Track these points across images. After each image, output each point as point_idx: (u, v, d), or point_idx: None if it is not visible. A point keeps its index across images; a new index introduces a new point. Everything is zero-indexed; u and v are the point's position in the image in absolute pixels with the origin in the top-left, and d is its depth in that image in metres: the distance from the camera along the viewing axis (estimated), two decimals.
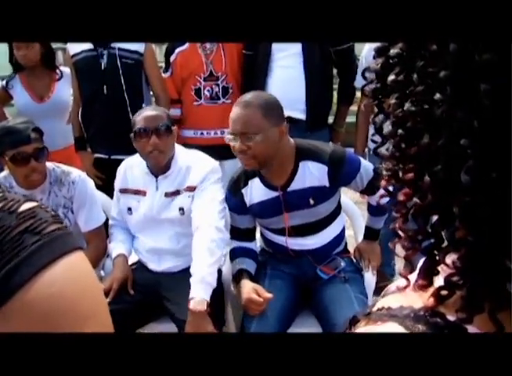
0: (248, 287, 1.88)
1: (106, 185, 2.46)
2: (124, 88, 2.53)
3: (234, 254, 2.07)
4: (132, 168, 2.13)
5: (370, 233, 2.12)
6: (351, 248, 2.19)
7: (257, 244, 2.18)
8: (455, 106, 0.39)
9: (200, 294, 1.78)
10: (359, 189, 1.96)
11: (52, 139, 2.36)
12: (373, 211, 2.06)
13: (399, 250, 0.48)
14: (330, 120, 2.79)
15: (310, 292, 2.02)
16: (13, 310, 0.39)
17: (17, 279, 0.39)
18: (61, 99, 2.83)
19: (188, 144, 2.43)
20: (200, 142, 2.60)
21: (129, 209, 2.13)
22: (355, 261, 2.12)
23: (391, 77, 0.44)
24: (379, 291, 2.16)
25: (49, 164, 2.08)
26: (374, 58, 0.47)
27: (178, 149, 2.11)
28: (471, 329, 0.42)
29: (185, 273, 1.90)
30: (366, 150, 2.69)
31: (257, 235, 2.19)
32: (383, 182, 0.48)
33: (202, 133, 2.71)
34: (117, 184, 2.17)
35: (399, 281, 0.51)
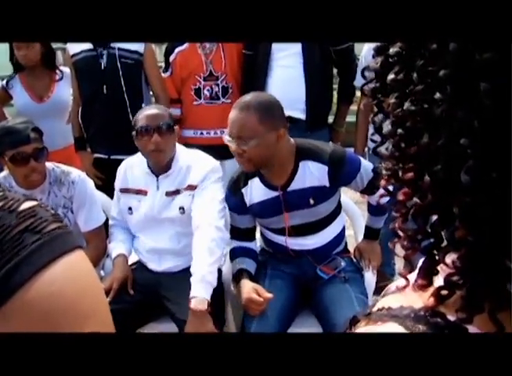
0: (248, 287, 1.88)
1: (105, 185, 2.46)
2: (123, 88, 2.53)
3: (234, 253, 2.07)
4: (133, 168, 2.13)
5: (370, 233, 2.12)
6: (351, 248, 2.19)
7: (258, 244, 2.18)
8: (455, 106, 0.39)
9: (200, 294, 1.78)
10: (359, 189, 1.96)
11: (52, 139, 2.36)
12: (373, 210, 2.06)
13: (399, 250, 0.48)
14: (330, 119, 2.79)
15: (310, 292, 2.02)
16: (13, 309, 0.39)
17: (17, 278, 0.39)
18: (61, 99, 2.83)
19: (188, 144, 2.42)
20: (200, 142, 2.60)
21: (129, 209, 2.13)
22: (355, 261, 2.12)
23: (391, 76, 0.44)
24: (379, 290, 2.16)
25: (49, 164, 2.08)
26: (373, 57, 0.47)
27: (179, 148, 2.11)
28: (471, 329, 0.42)
29: (185, 273, 1.90)
30: (366, 149, 2.69)
31: (258, 235, 2.19)
32: (382, 182, 0.48)
33: (202, 133, 2.71)
34: (118, 184, 2.17)
35: (399, 281, 0.51)
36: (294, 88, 2.52)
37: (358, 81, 2.54)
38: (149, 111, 2.02)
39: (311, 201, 1.92)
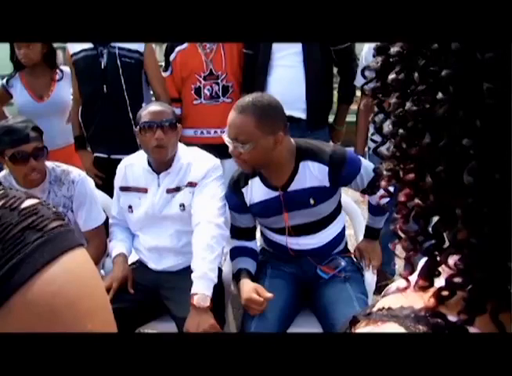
0: (248, 287, 1.88)
1: (105, 184, 2.46)
2: (124, 87, 2.53)
3: (234, 253, 2.07)
4: (133, 166, 2.13)
5: (371, 233, 2.12)
6: (351, 248, 2.19)
7: (258, 244, 2.18)
8: (457, 106, 0.39)
9: (202, 290, 1.79)
10: (360, 189, 1.96)
11: (52, 138, 2.36)
12: (374, 210, 2.06)
13: (399, 251, 0.48)
14: (330, 119, 2.79)
15: (310, 292, 2.02)
16: (15, 307, 0.39)
17: (19, 276, 0.39)
18: (61, 99, 2.83)
19: (188, 143, 2.42)
20: (200, 142, 2.59)
21: (130, 207, 2.12)
22: (355, 260, 2.12)
23: (392, 76, 0.44)
24: (379, 290, 2.17)
25: (49, 164, 2.08)
26: (374, 56, 0.46)
27: (180, 147, 2.11)
28: (472, 330, 0.42)
29: (185, 272, 1.90)
30: (366, 149, 2.69)
31: (258, 234, 2.18)
32: (383, 183, 0.48)
33: (202, 132, 2.70)
34: (117, 182, 2.17)
35: (400, 281, 0.50)
36: (295, 87, 2.52)
37: (359, 81, 2.54)
38: (152, 107, 2.02)
39: (312, 201, 1.92)
